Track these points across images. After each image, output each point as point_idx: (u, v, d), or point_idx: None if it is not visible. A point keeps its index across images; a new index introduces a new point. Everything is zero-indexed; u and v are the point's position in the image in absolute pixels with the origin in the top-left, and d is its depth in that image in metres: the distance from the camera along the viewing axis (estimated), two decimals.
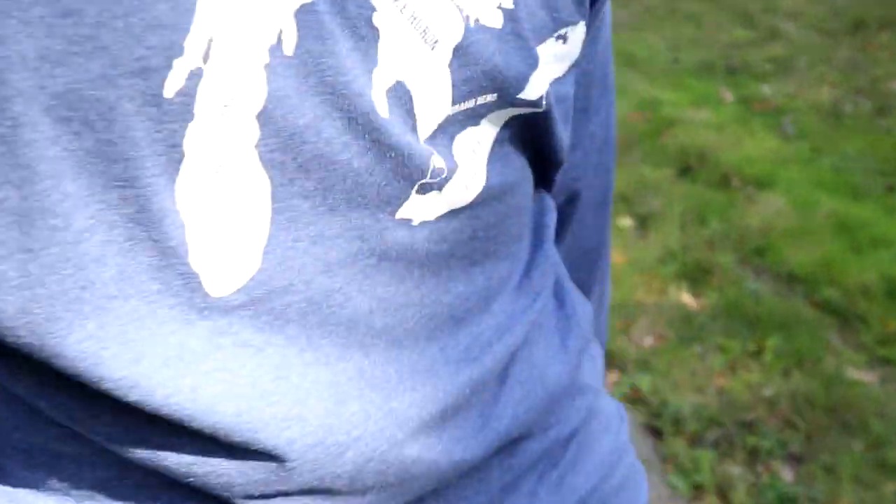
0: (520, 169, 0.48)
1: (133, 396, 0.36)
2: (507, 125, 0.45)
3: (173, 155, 0.34)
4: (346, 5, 0.36)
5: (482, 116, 0.43)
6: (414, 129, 0.39)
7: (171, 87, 0.33)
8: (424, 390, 0.44)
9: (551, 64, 0.45)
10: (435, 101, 0.40)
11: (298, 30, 0.35)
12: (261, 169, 0.36)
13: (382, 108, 0.38)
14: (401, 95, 0.38)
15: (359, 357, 0.42)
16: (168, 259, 0.35)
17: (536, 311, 0.51)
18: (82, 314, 0.34)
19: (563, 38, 0.45)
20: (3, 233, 0.32)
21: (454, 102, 0.40)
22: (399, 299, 0.43)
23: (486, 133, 0.44)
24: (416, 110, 0.39)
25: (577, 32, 0.46)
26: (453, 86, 0.40)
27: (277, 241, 0.38)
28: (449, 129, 0.41)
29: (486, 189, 0.44)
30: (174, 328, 0.36)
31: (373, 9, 0.37)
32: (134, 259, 0.35)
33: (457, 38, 0.39)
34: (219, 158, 0.35)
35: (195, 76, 0.33)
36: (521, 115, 0.45)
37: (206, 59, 0.33)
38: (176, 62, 0.33)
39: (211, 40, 0.33)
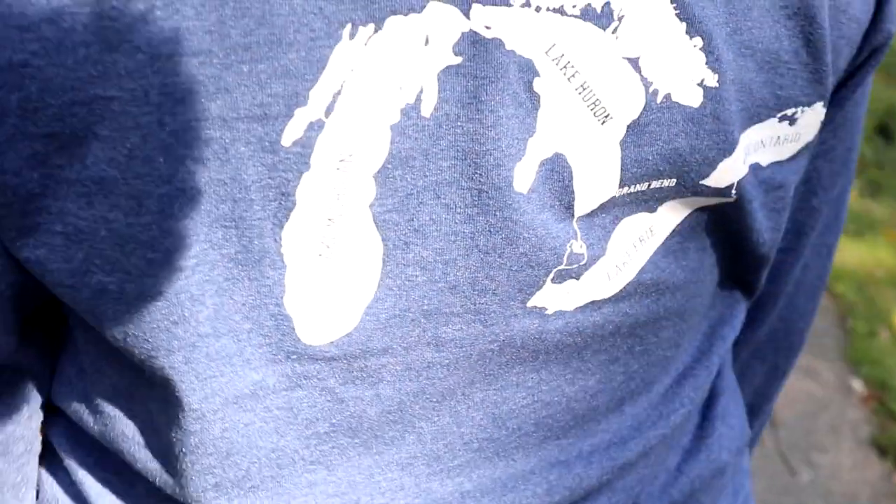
0: (693, 270, 0.43)
1: (195, 426, 0.37)
2: (693, 215, 0.41)
3: (284, 202, 0.34)
4: (507, 69, 0.34)
5: (660, 202, 0.39)
6: (568, 205, 0.37)
7: (290, 135, 0.33)
8: (481, 481, 0.42)
9: (769, 147, 0.41)
10: (598, 179, 0.37)
11: (440, 91, 0.34)
12: (374, 230, 0.35)
13: (523, 181, 0.36)
14: (558, 169, 0.36)
15: (446, 422, 0.40)
16: (262, 298, 0.35)
17: (672, 425, 0.47)
18: (170, 347, 0.35)
19: (790, 119, 0.41)
20: (109, 249, 0.33)
21: (622, 184, 0.38)
22: (512, 378, 0.40)
23: (662, 221, 0.40)
24: (576, 186, 0.37)
25: (811, 115, 0.41)
26: (622, 166, 0.37)
27: (383, 306, 0.37)
28: (613, 210, 0.38)
29: (634, 283, 0.41)
30: (257, 366, 0.36)
31: (535, 73, 0.35)
32: (231, 298, 0.35)
33: (633, 114, 0.36)
34: (331, 211, 0.34)
35: (316, 128, 0.33)
36: (709, 204, 0.41)
37: (329, 111, 0.33)
38: (297, 111, 0.32)
39: (338, 94, 0.33)
